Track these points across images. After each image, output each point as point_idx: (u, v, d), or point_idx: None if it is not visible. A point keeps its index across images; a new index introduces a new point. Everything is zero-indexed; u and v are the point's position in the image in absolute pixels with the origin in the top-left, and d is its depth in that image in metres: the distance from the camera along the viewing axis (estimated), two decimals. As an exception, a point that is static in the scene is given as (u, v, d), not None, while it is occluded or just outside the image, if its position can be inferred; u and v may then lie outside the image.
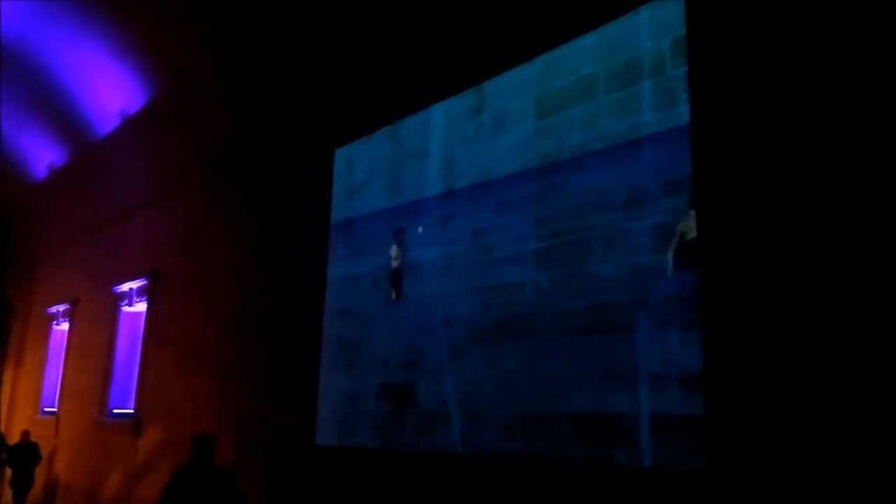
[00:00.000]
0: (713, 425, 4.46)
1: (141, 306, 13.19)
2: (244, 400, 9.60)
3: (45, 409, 16.46)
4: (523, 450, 5.70)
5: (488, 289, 6.29)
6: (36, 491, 13.24)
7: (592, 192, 5.54)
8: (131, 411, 12.57)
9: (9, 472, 12.32)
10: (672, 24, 5.16)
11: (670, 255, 4.92)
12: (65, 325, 16.59)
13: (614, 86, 5.52)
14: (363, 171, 8.14)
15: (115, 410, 13.28)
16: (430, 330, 6.79)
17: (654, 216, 5.09)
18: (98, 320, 14.52)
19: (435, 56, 7.29)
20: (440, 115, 7.20)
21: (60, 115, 14.20)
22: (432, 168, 7.20)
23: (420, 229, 7.13)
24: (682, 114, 4.99)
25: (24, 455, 12.51)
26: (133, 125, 12.89)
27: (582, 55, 5.81)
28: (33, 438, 13.44)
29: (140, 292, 13.13)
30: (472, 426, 6.18)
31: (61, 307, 16.65)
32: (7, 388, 18.84)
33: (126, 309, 13.73)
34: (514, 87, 6.41)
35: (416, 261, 7.16)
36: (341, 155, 8.54)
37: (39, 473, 13.46)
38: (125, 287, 13.53)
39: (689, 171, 4.88)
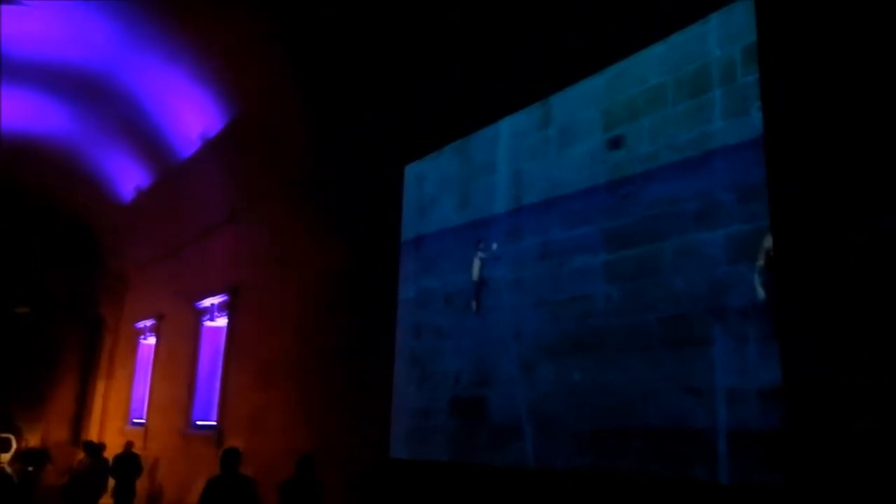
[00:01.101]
0: (792, 440, 4.32)
1: (222, 321, 13.68)
2: (321, 413, 9.82)
3: (134, 421, 17.22)
4: (597, 465, 5.64)
5: (558, 302, 6.27)
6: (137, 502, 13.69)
7: (663, 202, 5.46)
8: (214, 423, 13.02)
9: (112, 482, 12.49)
10: (742, 30, 5.06)
11: (757, 274, 4.76)
12: (151, 340, 17.35)
13: (684, 95, 5.44)
14: (433, 187, 8.26)
15: (199, 422, 13.77)
16: (500, 344, 6.81)
17: (729, 226, 4.98)
18: (182, 335, 15.14)
19: (502, 71, 7.35)
20: (508, 129, 7.25)
21: (145, 138, 14.95)
22: (501, 182, 7.24)
23: (494, 245, 7.16)
24: (755, 121, 4.88)
25: (126, 466, 12.53)
26: (213, 147, 13.45)
27: (650, 65, 5.76)
28: (129, 450, 13.48)
29: (221, 308, 13.62)
30: (544, 440, 6.15)
31: (148, 322, 17.43)
32: (99, 399, 19.84)
33: (208, 324, 14.27)
34: (581, 99, 6.40)
35: (486, 275, 7.20)
36: (411, 171, 8.68)
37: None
38: (207, 302, 14.06)
39: (764, 180, 4.76)
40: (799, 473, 4.24)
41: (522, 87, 6.98)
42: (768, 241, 4.69)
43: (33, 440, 21.06)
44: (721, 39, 5.22)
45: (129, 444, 13.11)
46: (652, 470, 5.19)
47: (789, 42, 4.73)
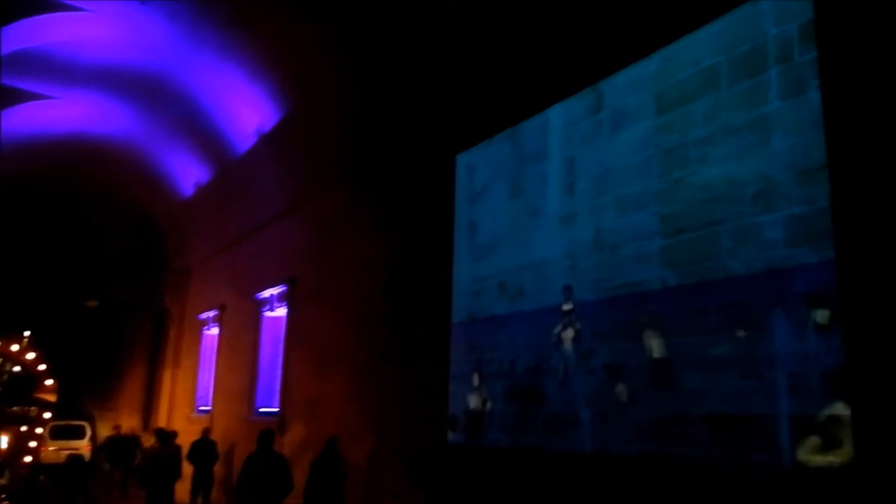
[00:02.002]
0: (856, 424, 4.24)
1: (281, 311, 14.04)
2: (379, 399, 10.02)
3: (200, 408, 17.83)
4: (655, 450, 5.63)
5: (614, 288, 6.26)
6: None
7: (719, 185, 5.39)
8: (276, 410, 13.40)
9: (189, 469, 12.31)
10: (799, 8, 4.94)
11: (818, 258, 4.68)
12: (214, 330, 17.92)
13: (738, 76, 5.34)
14: (484, 176, 8.30)
15: (262, 409, 14.19)
16: (556, 333, 6.84)
17: (788, 208, 4.89)
18: (243, 325, 15.59)
19: (552, 57, 7.33)
20: (559, 116, 7.23)
21: (204, 135, 15.38)
22: (553, 169, 7.24)
23: (547, 232, 7.18)
24: (813, 100, 4.77)
25: (203, 452, 12.45)
26: (268, 141, 13.76)
27: (702, 47, 5.67)
28: (206, 436, 13.16)
29: (280, 298, 13.98)
30: (602, 427, 6.17)
31: (211, 313, 18.00)
32: (167, 388, 20.60)
33: (268, 314, 14.66)
34: (632, 83, 6.34)
35: (540, 260, 7.23)
36: (462, 161, 8.74)
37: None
38: (266, 293, 14.44)
39: (824, 161, 4.66)
40: (863, 458, 4.17)
41: (573, 73, 6.94)
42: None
43: (105, 429, 22.05)
44: (777, 17, 5.10)
45: (205, 431, 13.24)
46: (712, 456, 5.16)
47: (848, 18, 4.60)
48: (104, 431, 22.02)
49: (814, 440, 4.52)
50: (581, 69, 6.83)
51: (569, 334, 6.68)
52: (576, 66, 6.91)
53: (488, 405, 7.66)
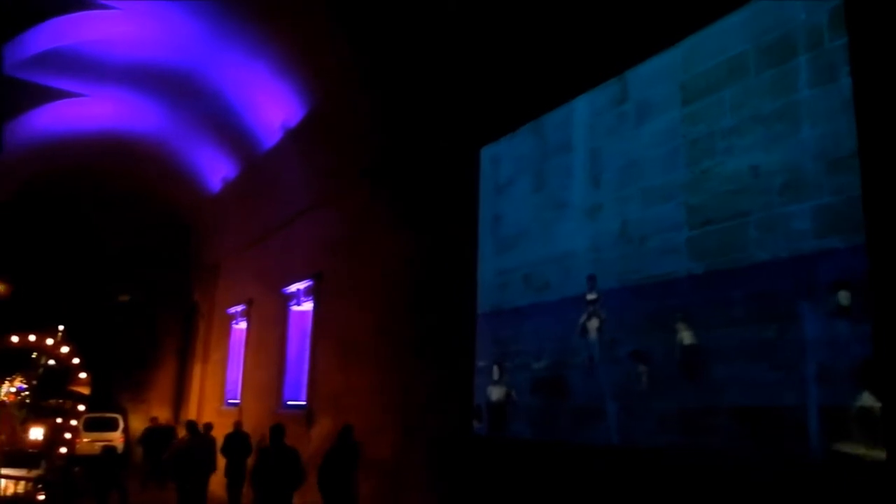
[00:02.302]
0: (889, 416, 4.17)
1: (307, 305, 14.16)
2: (404, 392, 10.07)
3: (229, 401, 18.06)
4: (682, 442, 5.59)
5: (640, 280, 6.22)
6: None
7: (746, 176, 5.32)
8: (304, 403, 13.53)
9: (222, 461, 12.31)
10: (829, -8, 4.85)
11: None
12: (242, 324, 18.12)
13: (766, 64, 5.26)
14: (509, 169, 8.28)
15: (290, 402, 14.33)
16: (580, 323, 6.81)
17: (817, 198, 4.81)
18: (271, 319, 15.75)
19: (576, 48, 7.28)
20: (583, 107, 7.19)
21: (231, 131, 15.55)
22: (577, 160, 7.20)
23: (571, 224, 7.15)
24: (844, 88, 4.68)
25: (237, 446, 12.37)
26: (294, 137, 13.86)
27: (729, 35, 5.59)
28: (239, 429, 13.12)
29: (306, 293, 14.10)
30: (628, 419, 6.14)
31: (239, 308, 18.21)
32: (197, 381, 20.91)
33: (294, 308, 14.79)
34: (657, 73, 6.28)
35: (565, 252, 7.20)
36: (486, 153, 8.73)
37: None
38: (293, 288, 14.57)
39: (855, 149, 4.57)
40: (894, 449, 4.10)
41: (597, 63, 6.90)
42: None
43: (137, 421, 22.44)
44: (806, 3, 5.02)
45: (237, 424, 13.20)
46: (740, 448, 5.11)
47: (879, 3, 4.50)
48: (136, 424, 22.43)
49: (845, 431, 4.45)
50: (606, 60, 6.78)
51: (594, 324, 6.65)
52: (600, 57, 6.86)
53: (512, 397, 7.66)
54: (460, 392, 8.56)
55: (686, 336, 5.68)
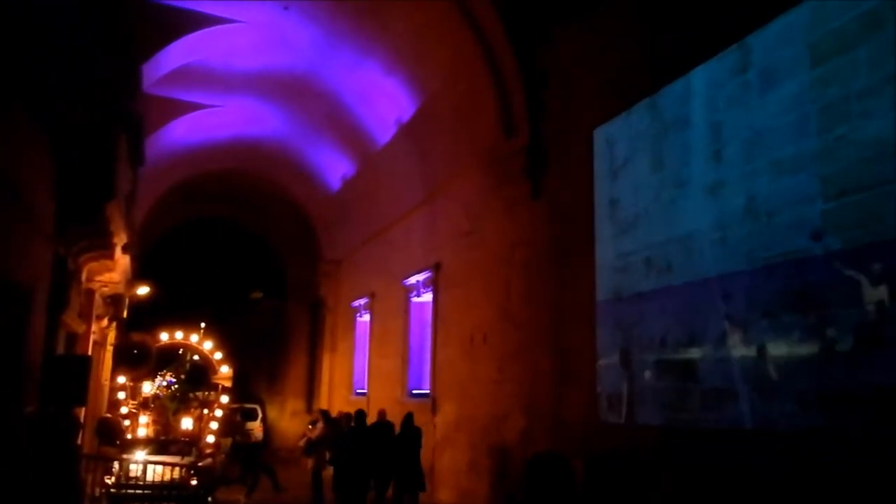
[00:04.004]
0: None
1: (427, 296, 14.43)
2: (527, 379, 10.06)
3: (357, 391, 18.74)
4: (823, 425, 5.26)
5: (770, 258, 5.89)
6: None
7: (887, 142, 4.91)
8: (427, 392, 13.83)
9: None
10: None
11: None
12: (366, 317, 18.74)
13: (907, 16, 4.83)
14: (624, 148, 8.08)
15: (414, 391, 14.69)
16: (707, 304, 6.55)
17: (972, 159, 4.38)
18: (392, 311, 16.19)
19: (691, 15, 6.99)
20: (701, 79, 6.88)
21: (347, 130, 16.06)
22: (697, 136, 6.92)
23: (692, 202, 6.88)
24: None
25: (381, 435, 11.74)
26: (407, 131, 14.13)
27: (862, -12, 5.17)
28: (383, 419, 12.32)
29: (426, 284, 14.37)
30: (762, 402, 5.85)
31: (362, 301, 18.84)
32: (326, 372, 21.85)
33: (415, 300, 15.12)
34: (782, 36, 5.91)
35: (687, 233, 6.94)
36: (601, 134, 8.54)
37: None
38: (413, 280, 14.89)
39: None
40: None
41: (715, 30, 6.58)
42: None
43: (273, 411, 23.74)
44: (951, -54, 4.57)
45: (382, 413, 12.52)
46: (884, 432, 4.75)
47: None
48: (272, 414, 23.75)
49: None
50: (724, 25, 6.45)
51: (721, 306, 6.37)
52: (718, 23, 6.54)
53: (638, 383, 7.49)
54: (584, 378, 8.46)
55: (823, 315, 5.33)
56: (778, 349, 5.72)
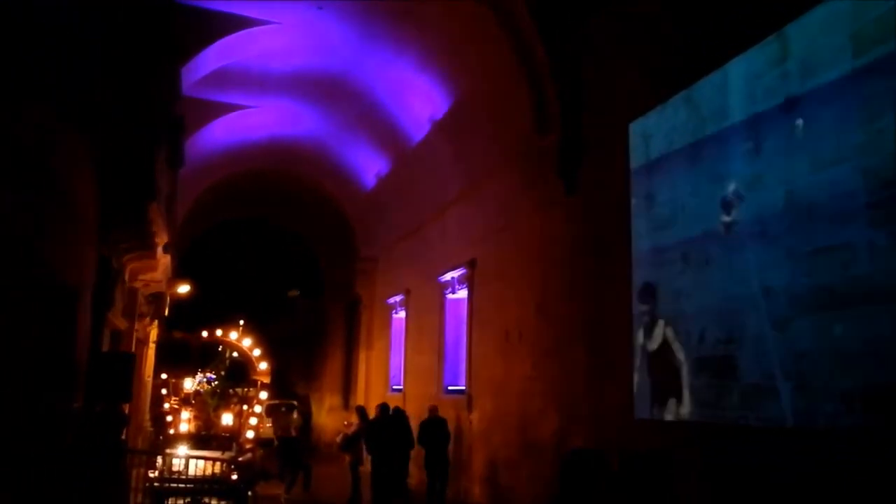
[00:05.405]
0: None
1: (462, 293, 14.44)
2: (563, 376, 10.03)
3: (394, 387, 18.86)
4: (865, 424, 5.15)
5: (812, 252, 5.76)
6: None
7: (934, 130, 4.78)
8: (463, 388, 13.85)
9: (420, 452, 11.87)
10: None
11: None
12: (402, 314, 18.82)
13: (954, 2, 4.69)
14: (660, 143, 7.98)
15: (450, 388, 14.72)
16: (747, 300, 6.43)
17: None
18: (427, 308, 16.24)
19: (726, 4, 6.87)
20: (738, 70, 6.76)
21: (381, 128, 16.14)
22: (735, 128, 6.80)
23: (733, 196, 6.76)
24: None
25: (433, 432, 11.85)
26: (442, 128, 14.16)
27: (907, -26, 5.03)
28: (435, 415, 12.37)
29: (461, 280, 14.38)
30: (804, 399, 5.74)
31: (397, 298, 18.93)
32: (363, 369, 22.03)
33: (450, 296, 15.15)
34: (822, 24, 5.78)
35: (724, 226, 6.83)
36: (636, 128, 8.45)
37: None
38: (448, 277, 14.92)
39: None
40: None
41: (752, 19, 6.45)
42: None
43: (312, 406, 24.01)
44: None
45: (433, 409, 12.50)
46: None
47: None
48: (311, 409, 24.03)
49: None
50: (761, 14, 6.32)
51: (761, 302, 6.26)
52: (755, 12, 6.41)
53: (676, 379, 7.40)
54: (620, 375, 8.40)
55: (867, 311, 5.21)
56: (820, 345, 5.60)
